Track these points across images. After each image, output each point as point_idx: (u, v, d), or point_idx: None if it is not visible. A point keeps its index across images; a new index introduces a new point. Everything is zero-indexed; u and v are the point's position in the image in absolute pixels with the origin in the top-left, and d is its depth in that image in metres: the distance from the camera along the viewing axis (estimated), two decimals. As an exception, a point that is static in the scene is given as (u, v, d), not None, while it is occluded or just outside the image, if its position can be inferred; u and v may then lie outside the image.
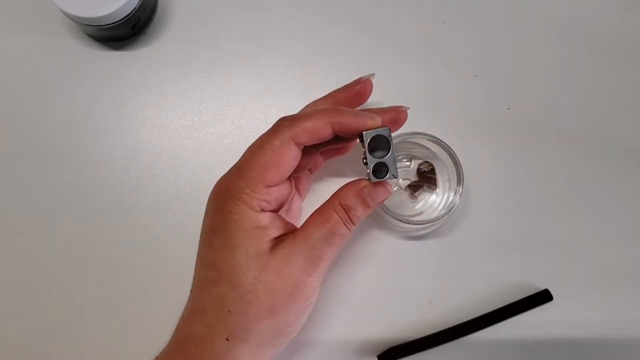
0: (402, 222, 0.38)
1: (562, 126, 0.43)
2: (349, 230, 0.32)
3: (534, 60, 0.44)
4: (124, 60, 0.42)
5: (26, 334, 0.40)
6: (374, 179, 0.31)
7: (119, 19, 0.38)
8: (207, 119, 0.42)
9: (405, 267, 0.41)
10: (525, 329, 0.40)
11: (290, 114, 0.42)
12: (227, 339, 0.30)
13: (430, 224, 0.39)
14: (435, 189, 0.41)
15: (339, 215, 0.31)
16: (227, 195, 0.31)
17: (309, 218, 0.32)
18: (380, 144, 0.31)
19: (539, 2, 0.44)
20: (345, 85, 0.37)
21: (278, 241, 0.31)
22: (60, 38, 0.42)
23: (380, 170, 0.31)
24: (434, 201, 0.41)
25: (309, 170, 0.38)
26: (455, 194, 0.39)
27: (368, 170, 0.31)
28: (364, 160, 0.32)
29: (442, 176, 0.41)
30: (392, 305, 0.40)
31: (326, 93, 0.42)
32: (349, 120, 0.31)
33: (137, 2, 0.39)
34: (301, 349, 0.39)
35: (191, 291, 0.33)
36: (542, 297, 0.40)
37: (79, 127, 0.42)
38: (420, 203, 0.41)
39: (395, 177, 0.32)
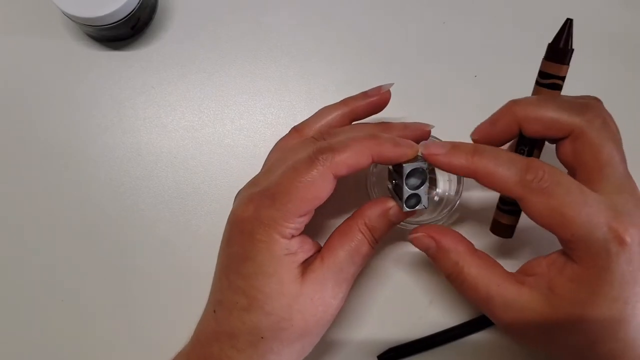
0: (402, 221, 0.38)
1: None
2: (374, 249, 0.32)
3: (534, 60, 0.43)
4: (124, 60, 0.42)
5: (26, 334, 0.40)
6: (406, 209, 0.32)
7: (119, 19, 0.38)
8: (207, 119, 0.42)
9: (405, 267, 0.41)
10: (525, 329, 0.40)
11: (290, 113, 0.42)
12: None
13: (430, 224, 0.39)
14: (435, 189, 0.41)
15: (364, 236, 0.31)
16: (259, 224, 0.30)
17: (332, 238, 0.32)
18: (415, 173, 0.31)
19: (539, 2, 0.44)
20: (363, 93, 0.36)
21: (306, 265, 0.31)
22: (60, 38, 0.42)
23: (411, 199, 0.32)
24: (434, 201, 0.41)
25: None
26: (455, 194, 0.39)
27: (402, 200, 0.31)
28: (394, 182, 0.31)
29: (442, 176, 0.41)
30: (392, 305, 0.40)
31: (326, 93, 0.43)
32: (390, 151, 0.31)
33: (137, 2, 0.39)
34: (301, 349, 0.39)
35: (214, 311, 0.32)
36: (542, 297, 0.40)
37: (79, 127, 0.42)
38: (421, 203, 0.41)
39: (426, 208, 0.32)
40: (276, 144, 0.35)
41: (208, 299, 0.33)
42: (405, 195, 0.31)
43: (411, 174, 0.31)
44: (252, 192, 0.31)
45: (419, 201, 0.32)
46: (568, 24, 0.32)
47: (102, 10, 0.37)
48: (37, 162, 0.41)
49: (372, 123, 0.36)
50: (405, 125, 0.35)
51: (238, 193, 0.33)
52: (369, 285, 0.40)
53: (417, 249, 0.41)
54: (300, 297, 0.30)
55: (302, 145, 0.32)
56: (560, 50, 0.32)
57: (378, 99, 0.35)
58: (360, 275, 0.40)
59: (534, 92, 0.34)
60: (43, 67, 0.42)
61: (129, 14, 0.39)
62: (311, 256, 0.32)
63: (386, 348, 0.39)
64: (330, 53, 0.43)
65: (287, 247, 0.30)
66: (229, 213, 0.32)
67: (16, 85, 0.42)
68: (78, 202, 0.41)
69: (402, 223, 0.38)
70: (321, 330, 0.32)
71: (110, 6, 0.37)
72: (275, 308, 0.30)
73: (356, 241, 0.31)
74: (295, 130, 0.35)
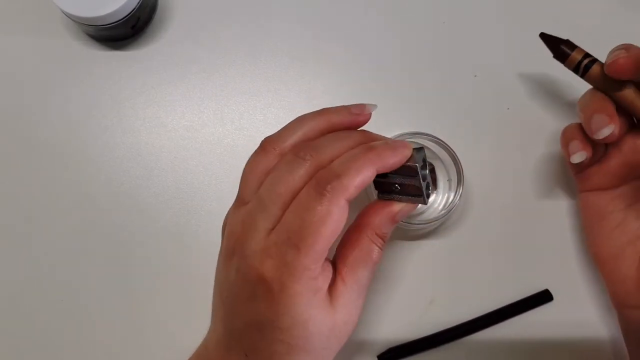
0: (402, 222, 0.38)
1: (562, 126, 0.43)
2: (383, 251, 0.32)
3: (535, 60, 0.44)
4: (124, 60, 0.42)
5: (25, 334, 0.40)
6: (427, 201, 0.31)
7: (118, 19, 0.38)
8: (207, 119, 0.42)
9: (405, 267, 0.41)
10: (525, 329, 0.40)
11: (290, 113, 0.41)
12: None
13: (430, 224, 0.39)
14: (435, 189, 0.41)
15: (376, 245, 0.31)
16: (289, 277, 0.28)
17: (345, 252, 0.31)
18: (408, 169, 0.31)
19: (539, 2, 0.44)
20: (345, 109, 0.33)
21: (330, 291, 0.31)
22: (60, 38, 0.42)
23: (428, 189, 0.32)
24: (434, 201, 0.41)
25: None
26: (455, 194, 0.39)
27: (424, 195, 0.31)
28: (396, 186, 0.31)
29: (442, 176, 0.41)
30: (392, 305, 0.40)
31: (326, 93, 0.43)
32: (391, 159, 0.30)
33: (137, 1, 0.39)
34: (301, 349, 0.39)
35: (245, 355, 0.31)
36: (542, 297, 0.40)
37: (78, 128, 0.42)
38: (421, 203, 0.41)
39: (436, 189, 0.32)
40: (250, 163, 0.32)
41: (218, 337, 0.32)
42: (425, 190, 0.31)
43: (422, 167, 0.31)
44: (267, 245, 0.29)
45: (428, 186, 0.31)
46: (544, 36, 0.37)
47: (102, 10, 0.37)
48: (37, 162, 0.41)
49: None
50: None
51: (226, 227, 0.32)
52: (369, 285, 0.40)
53: (419, 249, 0.41)
54: (335, 326, 0.30)
55: (291, 169, 0.30)
56: (565, 47, 0.36)
57: (363, 119, 0.33)
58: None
59: (594, 77, 0.35)
60: (43, 67, 0.42)
61: (129, 13, 0.39)
62: (332, 279, 0.31)
63: (386, 348, 0.39)
64: (330, 53, 0.43)
65: (314, 287, 0.29)
66: (223, 221, 0.32)
67: (16, 85, 0.42)
68: (78, 202, 0.41)
69: (402, 223, 0.38)
70: (348, 337, 0.32)
71: (110, 6, 0.37)
72: (316, 346, 0.30)
73: (370, 253, 0.31)
74: (269, 143, 0.32)
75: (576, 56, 0.35)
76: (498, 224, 0.41)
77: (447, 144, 0.39)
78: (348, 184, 0.28)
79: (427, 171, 0.32)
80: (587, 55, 0.35)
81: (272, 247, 0.29)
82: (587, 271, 0.41)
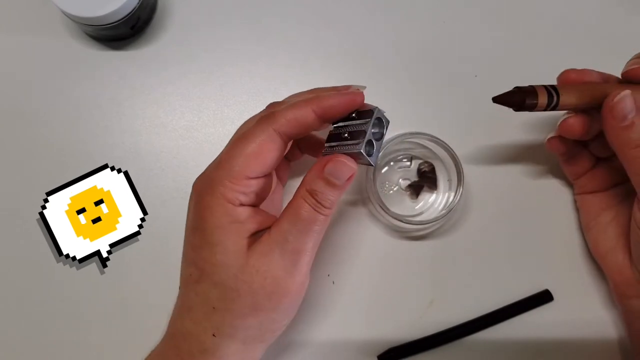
0: (402, 222, 0.38)
1: (562, 126, 0.43)
2: (323, 214, 0.30)
3: (535, 60, 0.44)
4: (124, 60, 0.42)
5: (24, 334, 0.40)
6: (364, 148, 0.30)
7: (118, 19, 0.38)
8: (207, 119, 0.42)
9: (405, 267, 0.41)
10: (525, 329, 0.40)
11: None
12: (213, 335, 0.30)
13: (430, 224, 0.39)
14: (436, 189, 0.41)
15: (307, 202, 0.30)
16: (205, 188, 0.31)
17: (283, 211, 0.31)
18: (379, 122, 0.31)
19: (539, 2, 0.44)
20: (333, 90, 0.34)
21: (256, 237, 0.31)
22: (60, 38, 0.42)
23: (369, 145, 0.30)
24: (434, 201, 0.41)
25: (288, 159, 0.38)
26: (455, 194, 0.39)
27: (363, 140, 0.30)
28: (345, 135, 0.30)
29: (442, 176, 0.41)
30: (392, 305, 0.40)
31: (326, 93, 0.43)
32: (334, 100, 0.31)
33: (136, 1, 0.39)
34: (301, 350, 0.39)
35: (180, 288, 0.33)
36: (543, 297, 0.40)
37: (78, 127, 0.42)
38: (421, 203, 0.41)
39: (373, 165, 0.31)
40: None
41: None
42: (367, 138, 0.30)
43: (375, 121, 0.30)
44: (208, 169, 0.32)
45: (371, 152, 0.30)
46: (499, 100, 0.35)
47: (102, 10, 0.37)
48: (36, 162, 0.41)
49: (308, 90, 0.35)
50: (334, 87, 0.34)
51: None
52: (369, 285, 0.40)
53: (419, 249, 0.41)
54: (245, 268, 0.30)
55: (254, 116, 0.34)
56: (529, 100, 0.34)
57: (349, 99, 0.32)
58: (360, 275, 0.40)
59: (565, 105, 0.35)
60: (43, 67, 0.42)
61: (129, 13, 0.39)
62: (264, 229, 0.31)
63: (386, 348, 0.39)
64: (330, 52, 0.43)
65: (233, 214, 0.30)
66: None
67: (16, 85, 0.42)
68: (78, 202, 0.41)
69: (402, 223, 0.38)
70: (278, 305, 0.31)
71: (110, 6, 0.37)
72: (223, 279, 0.30)
73: (298, 208, 0.30)
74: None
75: (542, 101, 0.34)
76: (498, 224, 0.41)
77: (447, 144, 0.39)
78: (278, 115, 0.31)
79: (384, 130, 0.31)
80: (548, 92, 0.34)
81: (207, 167, 0.32)
82: (587, 271, 0.41)
